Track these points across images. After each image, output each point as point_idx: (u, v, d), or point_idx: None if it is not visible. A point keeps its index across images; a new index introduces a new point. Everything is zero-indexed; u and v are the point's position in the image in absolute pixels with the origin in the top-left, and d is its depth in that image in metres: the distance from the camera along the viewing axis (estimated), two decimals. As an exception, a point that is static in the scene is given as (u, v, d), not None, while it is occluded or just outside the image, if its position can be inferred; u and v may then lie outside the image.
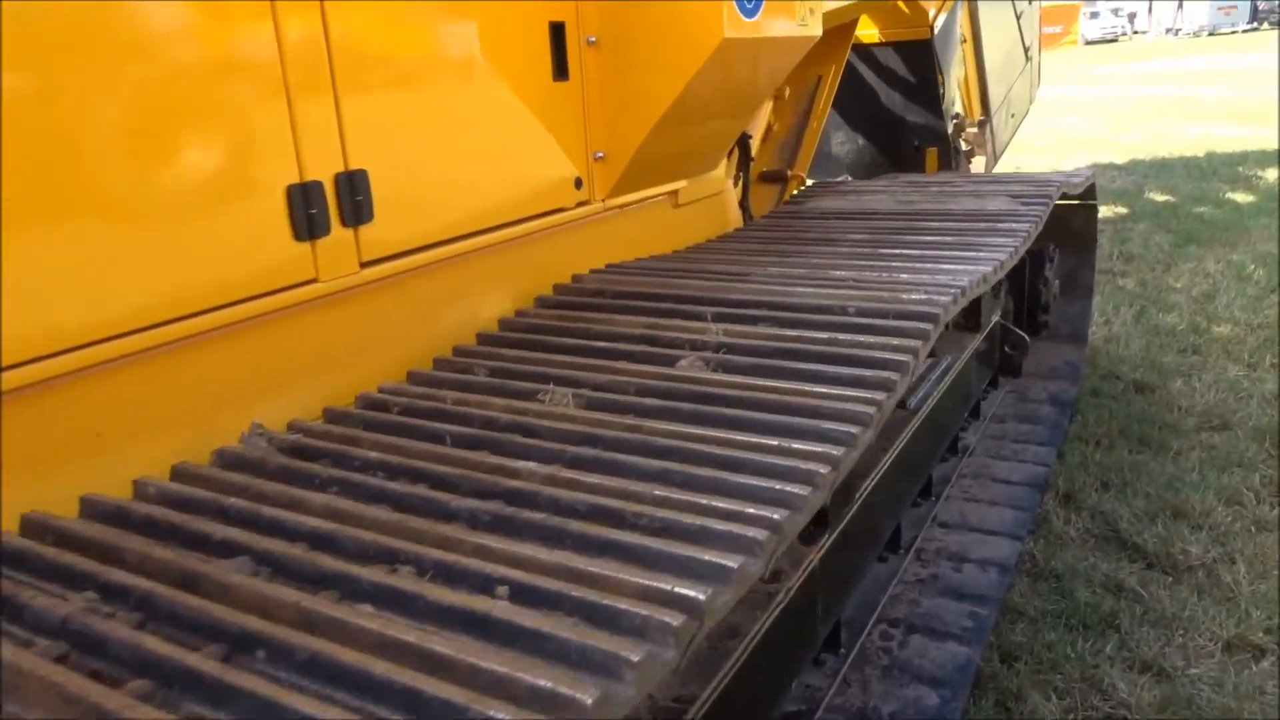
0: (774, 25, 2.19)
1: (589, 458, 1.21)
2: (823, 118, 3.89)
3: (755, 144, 3.61)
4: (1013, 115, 8.13)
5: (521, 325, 1.79)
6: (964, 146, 7.45)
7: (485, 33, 1.82)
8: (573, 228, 2.16)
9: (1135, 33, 47.61)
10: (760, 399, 1.35)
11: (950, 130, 5.09)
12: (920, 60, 4.67)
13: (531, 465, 1.18)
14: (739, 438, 1.24)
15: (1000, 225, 2.40)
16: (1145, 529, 2.78)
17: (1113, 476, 3.14)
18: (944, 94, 4.83)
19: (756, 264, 2.10)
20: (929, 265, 1.97)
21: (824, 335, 1.55)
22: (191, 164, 1.34)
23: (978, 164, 7.76)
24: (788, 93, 3.74)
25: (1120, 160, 9.74)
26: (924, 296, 1.66)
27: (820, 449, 1.20)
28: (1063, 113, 14.11)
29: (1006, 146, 8.15)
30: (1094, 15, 48.01)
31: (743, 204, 3.07)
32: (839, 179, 5.38)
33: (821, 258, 2.16)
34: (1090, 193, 3.76)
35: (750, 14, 2.07)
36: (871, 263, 2.05)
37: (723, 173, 2.81)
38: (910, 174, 3.83)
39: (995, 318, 3.20)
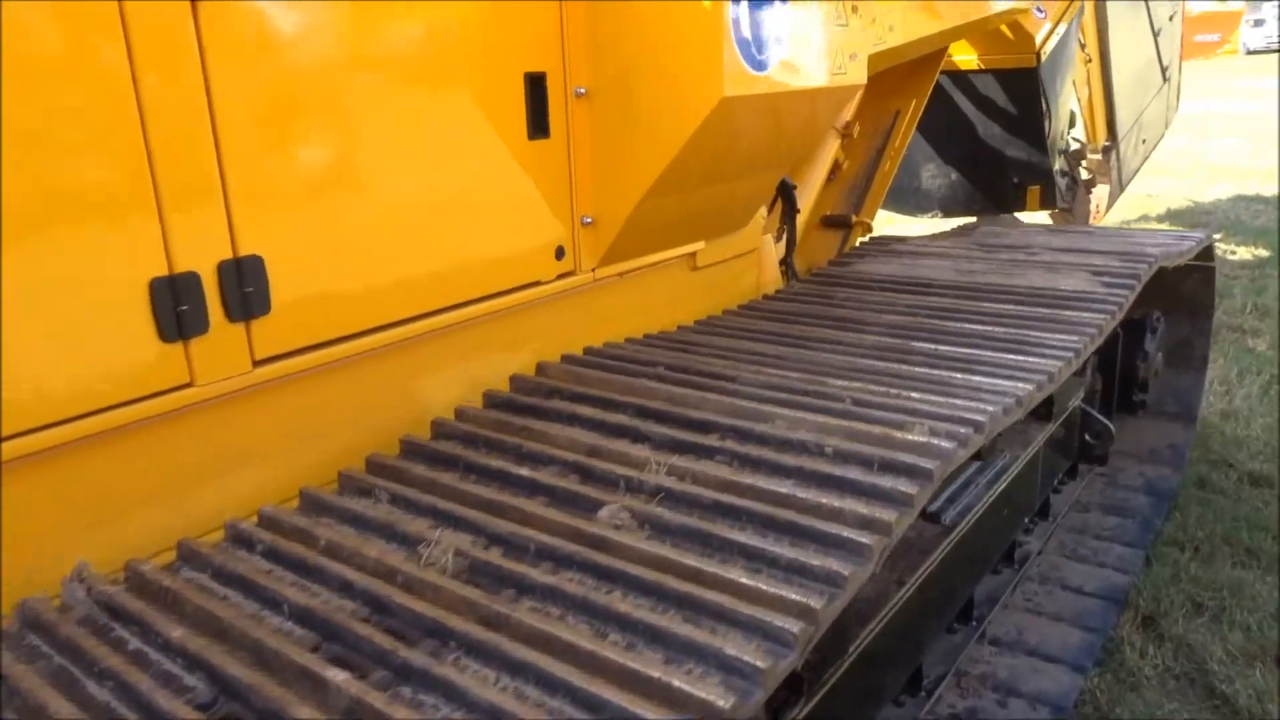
0: (796, 77, 1.88)
1: (418, 670, 0.95)
2: (898, 158, 3.51)
3: (817, 185, 3.27)
4: (1144, 141, 7.46)
5: (455, 431, 1.55)
6: (1084, 175, 6.90)
7: (436, 84, 1.59)
8: (553, 302, 1.91)
9: (1305, 42, 43.94)
10: (668, 587, 1.07)
11: (1057, 165, 4.59)
12: (1024, 90, 4.21)
13: (340, 680, 0.93)
14: (621, 650, 0.96)
15: (1066, 315, 2.01)
16: (1239, 675, 2.33)
17: (1209, 597, 2.68)
18: (1050, 127, 4.35)
19: (752, 359, 1.80)
20: (956, 378, 1.63)
21: (783, 488, 1.25)
22: (28, 256, 1.14)
23: (1100, 193, 7.16)
24: (857, 130, 3.37)
25: (1269, 192, 8.81)
26: (924, 440, 1.33)
27: (716, 688, 0.91)
28: (1210, 133, 12.99)
29: (1135, 174, 7.49)
30: (1258, 23, 44.54)
31: (786, 261, 2.75)
32: (929, 213, 4.97)
33: (833, 353, 1.83)
34: (1207, 253, 3.26)
35: (761, 66, 1.77)
36: (888, 366, 1.72)
37: (758, 229, 2.50)
38: (992, 225, 3.41)
39: (1075, 402, 2.77)
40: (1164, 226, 7.61)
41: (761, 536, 1.17)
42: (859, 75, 2.10)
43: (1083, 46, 5.88)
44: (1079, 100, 6.20)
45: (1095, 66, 6.31)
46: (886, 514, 1.16)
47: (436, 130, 1.60)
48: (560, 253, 1.87)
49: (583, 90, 1.82)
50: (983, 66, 4.23)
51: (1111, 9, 6.08)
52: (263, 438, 1.43)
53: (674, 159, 1.78)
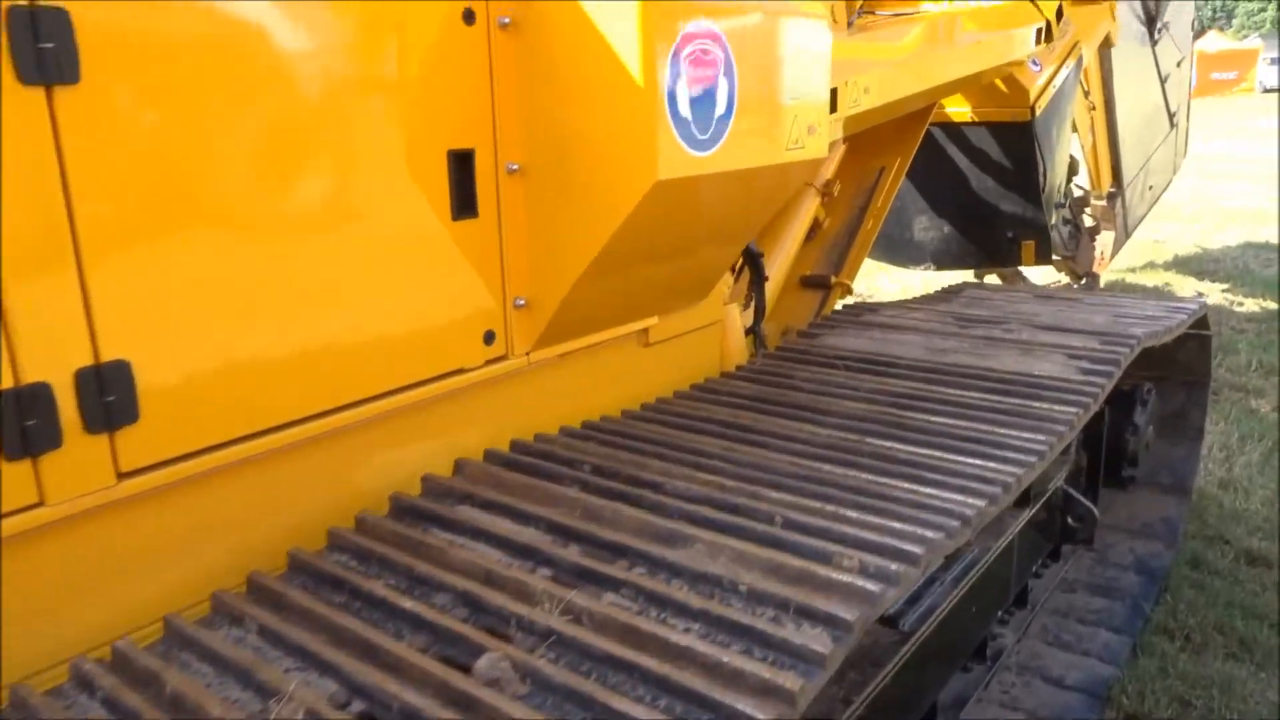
0: (744, 156, 1.76)
1: None
2: (880, 217, 3.40)
3: (794, 244, 3.15)
4: (1151, 187, 7.34)
5: (350, 544, 1.42)
6: (1088, 221, 6.77)
7: (345, 163, 1.47)
8: (482, 390, 1.78)
9: (1321, 80, 43.79)
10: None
11: (1057, 216, 4.46)
12: (1018, 144, 4.09)
13: None
14: None
15: (1034, 409, 1.88)
16: (1225, 789, 2.18)
17: (1197, 695, 2.52)
18: (1045, 182, 4.22)
19: (690, 458, 1.67)
20: (903, 490, 1.49)
21: (685, 639, 1.11)
22: None
23: (1105, 239, 7.03)
24: (838, 188, 3.26)
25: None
26: (849, 580, 1.19)
27: None
28: (1222, 175, 12.86)
29: (1142, 220, 7.37)
30: (1275, 61, 44.43)
31: (754, 330, 2.63)
32: (921, 265, 4.84)
33: (779, 451, 1.70)
34: (1203, 323, 3.12)
35: (703, 146, 1.65)
36: (832, 471, 1.59)
37: (719, 300, 2.38)
38: (976, 290, 3.28)
39: (1056, 483, 2.63)
40: (1169, 275, 7.46)
41: (651, 702, 1.03)
42: (818, 148, 1.98)
43: (1086, 94, 5.79)
44: (1083, 147, 6.09)
45: (1099, 114, 6.20)
46: (792, 681, 1.03)
47: (342, 213, 1.49)
48: (489, 337, 1.75)
49: (515, 166, 1.71)
50: (976, 119, 4.12)
51: (1117, 56, 5.98)
52: (130, 557, 1.31)
53: (608, 243, 1.66)
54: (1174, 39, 6.97)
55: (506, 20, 1.64)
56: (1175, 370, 3.31)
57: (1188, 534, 3.34)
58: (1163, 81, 6.85)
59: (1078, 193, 6.29)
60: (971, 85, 3.65)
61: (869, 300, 6.28)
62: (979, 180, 4.28)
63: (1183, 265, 7.75)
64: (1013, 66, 3.77)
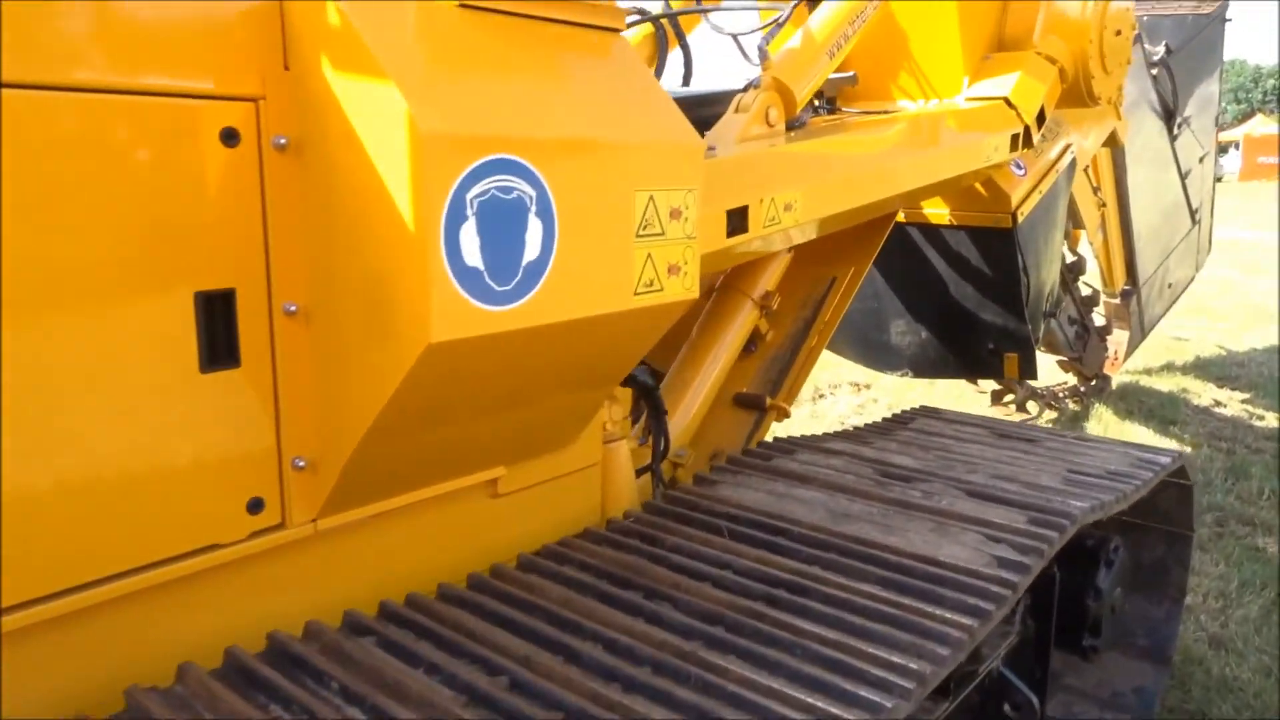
0: (570, 305, 1.49)
1: None
2: (828, 332, 3.10)
3: (727, 359, 2.87)
4: (1170, 285, 7.00)
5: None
6: (1099, 321, 6.44)
7: (53, 306, 1.22)
8: (250, 566, 1.50)
9: (1372, 169, 43.03)
10: None
11: (1040, 332, 4.13)
12: (1000, 252, 3.79)
13: None
14: None
15: (925, 617, 1.55)
16: None
17: None
18: (1030, 293, 3.90)
19: (470, 668, 1.36)
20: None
21: None
22: None
23: (1119, 339, 6.69)
24: (778, 301, 2.98)
25: (1311, 344, 8.20)
26: None
27: None
28: (1258, 267, 12.39)
29: (1160, 319, 7.01)
30: (1324, 147, 43.75)
31: (652, 469, 2.33)
32: (898, 371, 4.51)
33: (589, 667, 1.39)
34: (1181, 472, 2.76)
35: (504, 298, 1.38)
36: (642, 712, 1.27)
37: (596, 440, 2.09)
38: (934, 418, 2.95)
39: (992, 664, 2.27)
40: (1187, 379, 7.04)
41: None
42: (684, 289, 1.70)
43: (1095, 190, 5.50)
44: (1092, 245, 5.78)
45: (1111, 211, 5.91)
46: None
47: (52, 364, 1.23)
48: (256, 505, 1.47)
49: (294, 307, 1.44)
50: (954, 222, 3.83)
51: (1133, 152, 5.70)
52: None
53: (386, 407, 1.39)
54: (1196, 134, 6.68)
55: (283, 141, 1.39)
56: (1154, 518, 2.94)
57: (1166, 706, 2.95)
58: (1183, 177, 6.54)
59: (1086, 291, 5.98)
60: (937, 194, 3.37)
61: (824, 411, 5.93)
62: (958, 287, 3.97)
63: (1203, 369, 7.33)
64: (991, 171, 3.48)
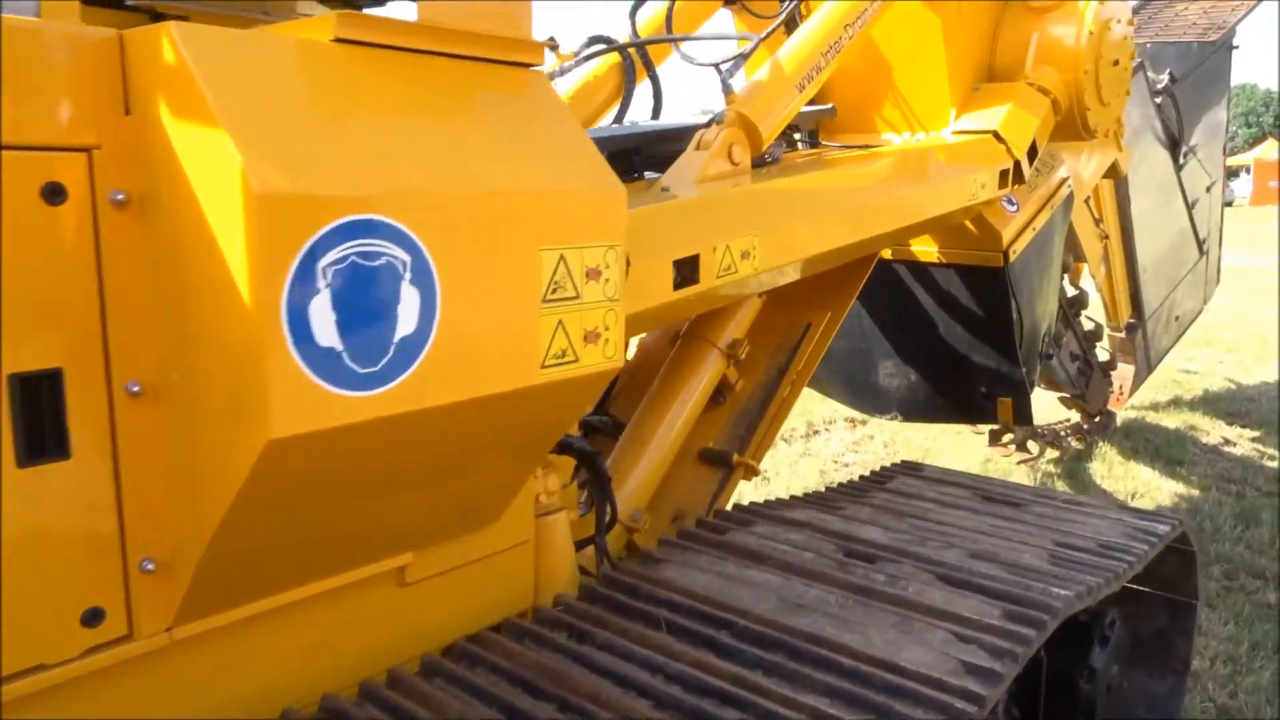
0: (458, 385, 1.29)
1: None
2: (802, 382, 2.89)
3: (692, 411, 2.66)
4: (1177, 318, 6.77)
5: None
6: (1103, 355, 6.23)
7: None
8: (94, 685, 1.29)
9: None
10: None
11: (1036, 374, 3.91)
12: (990, 292, 3.57)
13: None
14: None
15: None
16: None
17: None
18: (1023, 334, 3.69)
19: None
20: None
21: None
22: None
23: (1124, 373, 6.46)
24: (746, 350, 2.78)
25: (1324, 378, 7.94)
26: None
27: None
28: (1270, 295, 12.11)
29: (1167, 353, 6.78)
30: (1336, 171, 43.45)
31: (595, 542, 2.12)
32: (887, 414, 4.29)
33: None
34: (1184, 539, 2.53)
35: (371, 381, 1.18)
36: None
37: (527, 514, 1.88)
38: (914, 477, 2.73)
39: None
40: (1195, 416, 6.79)
41: None
42: (607, 357, 1.50)
43: (1097, 222, 5.30)
44: (1095, 279, 5.58)
45: (1115, 243, 5.72)
46: None
47: None
48: (94, 616, 1.27)
49: (138, 387, 1.24)
50: (943, 260, 3.62)
51: (1137, 182, 5.51)
52: None
53: (233, 503, 1.18)
54: (1202, 163, 6.49)
55: (121, 197, 1.20)
56: (1154, 585, 2.71)
57: (1170, 791, 2.70)
58: (1189, 206, 6.34)
59: (1089, 326, 5.76)
60: (911, 236, 3.17)
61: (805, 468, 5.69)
62: (947, 327, 3.76)
63: (1212, 404, 7.08)
64: (980, 208, 3.28)
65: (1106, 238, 5.49)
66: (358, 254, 1.13)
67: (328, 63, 1.25)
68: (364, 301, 1.15)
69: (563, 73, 2.96)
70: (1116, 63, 3.46)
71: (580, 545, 2.14)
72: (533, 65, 1.49)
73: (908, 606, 1.74)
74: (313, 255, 1.09)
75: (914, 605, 1.74)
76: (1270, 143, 51.80)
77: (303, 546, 1.41)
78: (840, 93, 3.60)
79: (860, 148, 3.19)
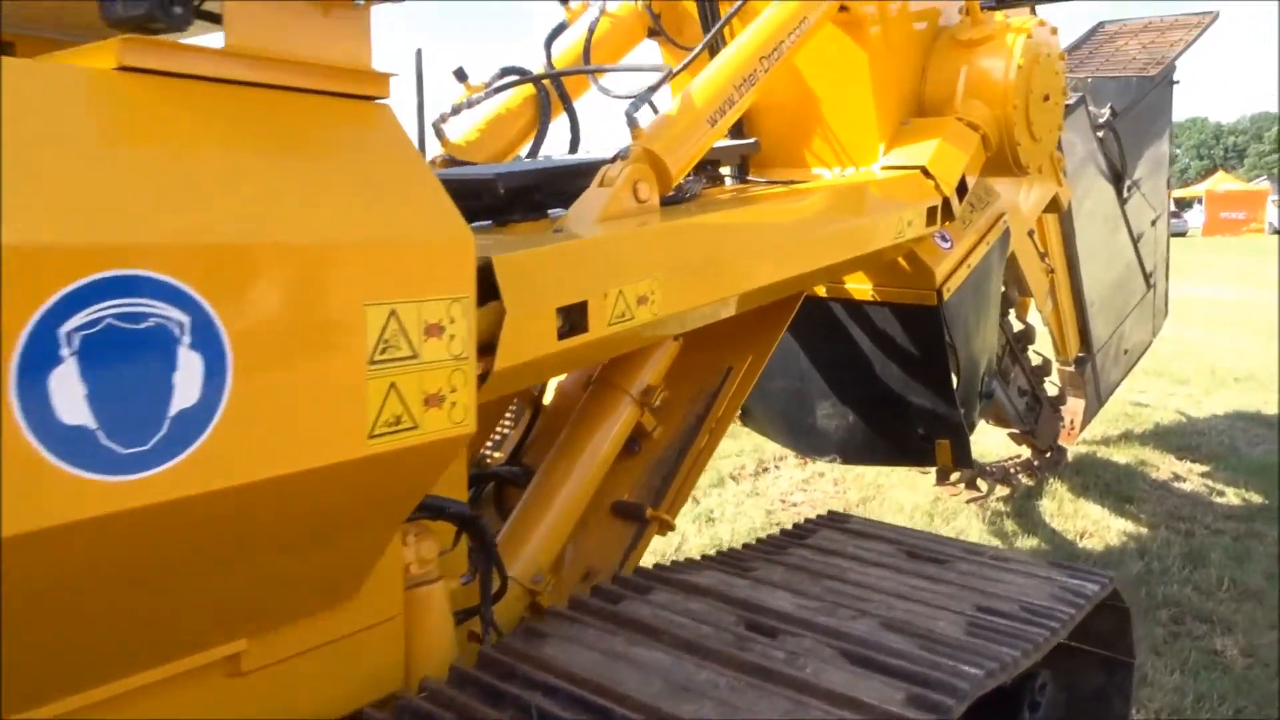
0: (256, 462, 1.12)
1: None
2: (722, 430, 2.75)
3: (601, 461, 2.51)
4: (1126, 351, 6.75)
5: None
6: (1052, 390, 6.18)
7: None
8: None
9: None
10: None
11: (976, 414, 3.80)
12: (925, 331, 3.47)
13: None
14: None
15: None
16: None
17: None
18: (961, 374, 3.58)
19: None
20: None
21: None
22: None
23: (1075, 407, 6.41)
24: (661, 397, 2.63)
25: (1276, 410, 7.94)
26: None
27: None
28: (1220, 324, 12.27)
29: (1117, 386, 6.75)
30: (1284, 203, 44.60)
31: (480, 613, 1.95)
32: (825, 456, 4.17)
33: None
34: (1115, 596, 2.40)
35: (135, 465, 1.01)
36: None
37: (394, 587, 1.71)
38: (839, 530, 2.59)
39: None
40: (1145, 450, 6.74)
41: None
42: (452, 423, 1.34)
43: (1043, 256, 5.25)
44: (1042, 313, 5.53)
45: (1061, 277, 5.69)
46: None
47: None
48: None
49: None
50: (877, 298, 3.51)
51: (1081, 216, 5.49)
52: None
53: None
54: (1147, 197, 6.51)
55: None
56: (1090, 641, 2.58)
57: None
58: (1135, 240, 6.34)
59: (1036, 360, 5.70)
60: (834, 276, 3.05)
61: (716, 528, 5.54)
62: (884, 367, 3.65)
63: (1162, 438, 7.04)
64: (912, 244, 3.18)
65: (1052, 271, 5.44)
66: (116, 316, 0.97)
67: (111, 94, 1.10)
68: (125, 371, 0.99)
69: (470, 105, 2.83)
70: (1047, 98, 3.39)
71: (465, 616, 1.97)
72: (373, 98, 1.35)
73: (804, 690, 1.58)
74: (51, 320, 0.93)
75: (811, 689, 1.58)
76: (1220, 175, 53.11)
77: (99, 640, 1.23)
78: (769, 126, 3.51)
79: (786, 183, 3.09)
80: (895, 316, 3.53)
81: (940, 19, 3.51)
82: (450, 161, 2.78)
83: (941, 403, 3.58)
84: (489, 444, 3.05)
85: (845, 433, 3.90)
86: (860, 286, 3.53)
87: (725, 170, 3.43)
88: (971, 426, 3.75)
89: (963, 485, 5.74)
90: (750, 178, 3.30)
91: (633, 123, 2.33)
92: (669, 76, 2.59)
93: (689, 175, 2.68)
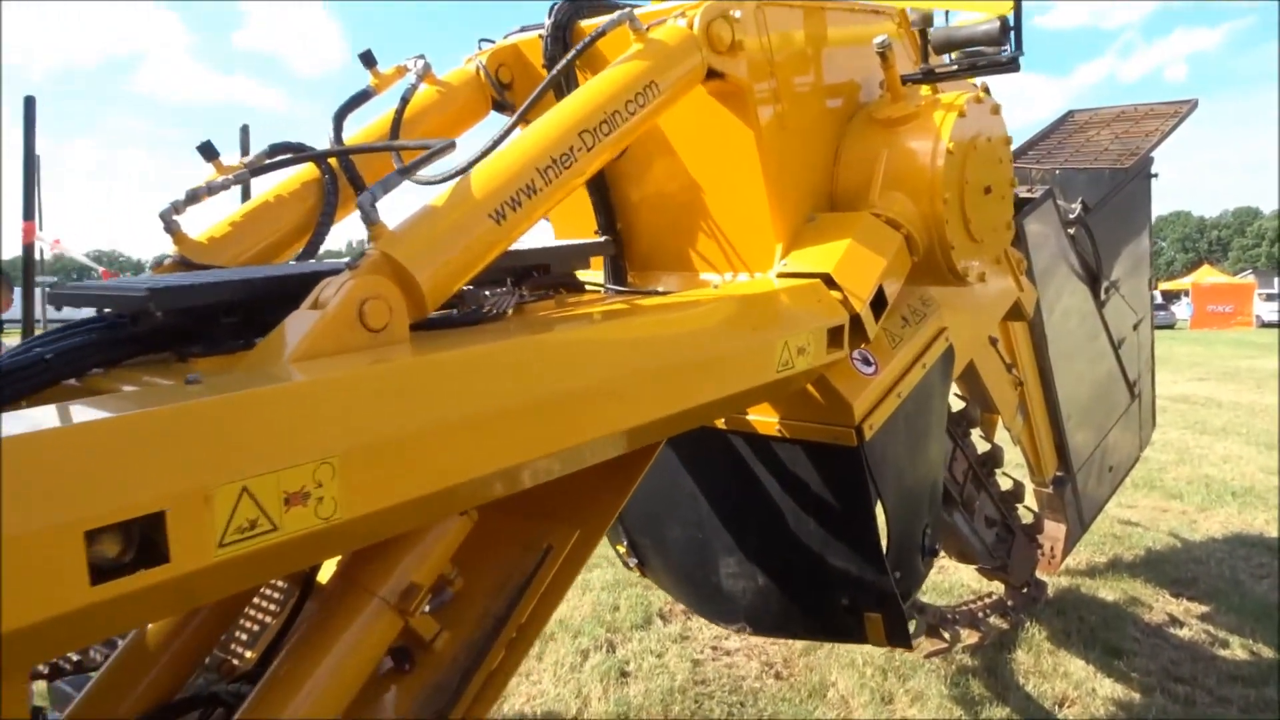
0: None
1: None
2: (534, 633, 1.98)
3: (340, 687, 1.73)
4: (1111, 468, 6.02)
5: None
6: (1027, 517, 5.44)
7: None
8: None
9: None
10: None
11: (910, 585, 3.03)
12: (845, 477, 2.74)
13: None
14: None
15: None
16: None
17: None
18: (892, 531, 2.84)
19: None
20: None
21: None
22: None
23: (1054, 532, 5.67)
24: (459, 582, 1.89)
25: (1275, 531, 7.14)
26: None
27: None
28: (1214, 429, 11.53)
29: (1102, 507, 6.00)
30: (1271, 296, 44.57)
31: None
32: (734, 625, 3.38)
33: None
34: None
35: None
36: None
37: None
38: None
39: None
40: (1135, 584, 5.94)
41: None
42: None
43: (1009, 368, 4.56)
44: (1011, 431, 4.82)
45: (1033, 390, 5.00)
46: None
47: None
48: None
49: None
50: (785, 434, 2.78)
51: (1053, 322, 4.84)
52: None
53: None
54: (1127, 298, 5.89)
55: None
56: None
57: None
58: (1116, 347, 5.68)
59: (1007, 484, 4.97)
60: (689, 425, 2.29)
61: None
62: (797, 519, 2.90)
63: (1155, 568, 6.24)
64: (822, 370, 2.48)
65: (1021, 384, 4.76)
66: None
67: None
68: None
69: (214, 190, 2.14)
70: (989, 190, 2.74)
71: None
72: None
73: None
74: None
75: None
76: (1206, 268, 53.36)
77: None
78: (648, 221, 2.84)
79: (647, 293, 2.39)
80: (808, 457, 2.80)
81: (860, 94, 2.88)
82: (181, 264, 2.09)
83: (868, 567, 2.81)
84: (242, 638, 2.27)
85: (755, 598, 3.12)
86: (765, 419, 2.81)
87: (594, 277, 2.75)
88: (908, 594, 2.97)
89: (922, 636, 4.90)
90: (606, 286, 2.61)
91: (369, 218, 1.63)
92: (467, 162, 1.90)
93: (500, 287, 1.99)
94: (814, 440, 2.73)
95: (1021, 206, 4.59)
